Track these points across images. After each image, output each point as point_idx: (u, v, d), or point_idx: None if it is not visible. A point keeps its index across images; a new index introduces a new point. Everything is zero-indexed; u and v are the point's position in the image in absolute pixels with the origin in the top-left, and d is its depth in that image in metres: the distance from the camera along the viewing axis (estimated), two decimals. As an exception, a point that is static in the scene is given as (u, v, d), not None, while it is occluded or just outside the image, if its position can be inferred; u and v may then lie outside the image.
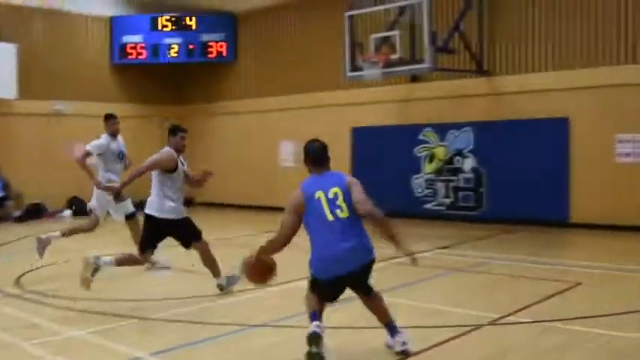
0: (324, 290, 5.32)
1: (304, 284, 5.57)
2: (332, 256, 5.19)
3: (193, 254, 8.06)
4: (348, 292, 5.47)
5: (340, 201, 5.25)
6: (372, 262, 5.39)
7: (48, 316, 6.94)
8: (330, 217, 5.22)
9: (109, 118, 9.97)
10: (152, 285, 8.75)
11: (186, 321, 6.67)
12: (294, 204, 5.36)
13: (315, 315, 5.30)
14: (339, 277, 5.23)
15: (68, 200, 18.32)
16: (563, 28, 13.53)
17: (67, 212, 18.06)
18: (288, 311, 6.76)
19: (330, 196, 5.26)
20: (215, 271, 7.92)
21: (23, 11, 17.84)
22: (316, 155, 5.57)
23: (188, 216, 7.91)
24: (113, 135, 9.75)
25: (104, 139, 9.77)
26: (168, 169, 7.72)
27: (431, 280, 8.58)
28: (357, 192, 5.30)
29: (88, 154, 9.63)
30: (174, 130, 7.94)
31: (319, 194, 5.27)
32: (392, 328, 5.45)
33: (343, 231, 5.20)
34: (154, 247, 7.83)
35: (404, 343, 5.39)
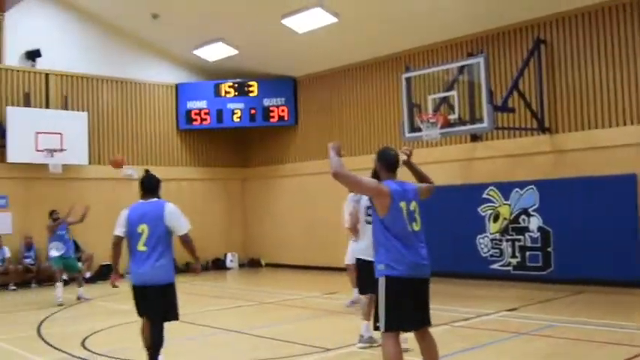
0: (401, 302, 5.48)
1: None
2: (412, 262, 5.52)
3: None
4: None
5: (417, 214, 5.74)
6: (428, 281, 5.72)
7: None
8: (408, 228, 5.60)
9: None
10: (219, 346, 8.79)
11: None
12: (380, 188, 5.70)
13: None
14: (414, 279, 5.54)
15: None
16: (625, 81, 13.32)
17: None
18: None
19: (411, 209, 5.71)
20: None
21: (92, 80, 18.64)
22: (392, 162, 5.99)
23: None
24: None
25: None
26: None
27: (495, 345, 8.36)
28: (423, 188, 6.05)
29: None
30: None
31: (402, 205, 5.65)
32: None
33: (419, 243, 5.64)
34: None
35: None
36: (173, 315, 6.95)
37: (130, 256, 6.87)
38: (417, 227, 5.68)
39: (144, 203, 7.01)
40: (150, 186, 7.10)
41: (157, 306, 6.78)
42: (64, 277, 14.47)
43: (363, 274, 7.84)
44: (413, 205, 5.74)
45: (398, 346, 5.54)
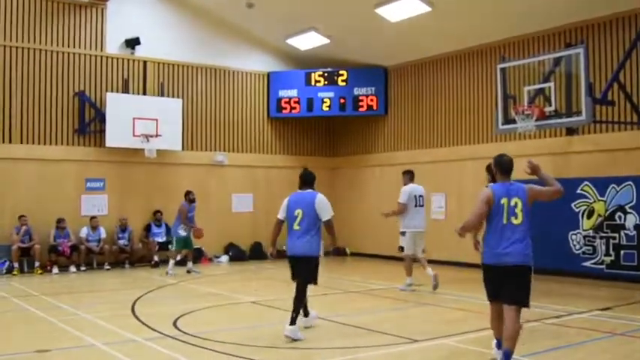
0: (491, 283, 6.78)
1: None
2: (501, 251, 6.60)
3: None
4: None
5: (519, 209, 6.63)
6: (526, 266, 6.60)
7: (203, 358, 7.24)
8: (504, 221, 6.62)
9: None
10: (307, 332, 8.88)
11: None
12: (486, 198, 6.72)
13: (499, 343, 6.85)
14: (502, 266, 6.61)
15: (225, 247, 19.14)
16: None
17: (225, 257, 18.84)
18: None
19: (512, 204, 6.64)
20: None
21: (187, 68, 19.11)
22: (506, 167, 6.95)
23: None
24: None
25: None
26: None
27: (587, 344, 8.12)
28: (537, 189, 6.82)
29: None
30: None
31: (504, 201, 6.66)
32: (507, 356, 6.44)
33: (510, 235, 6.59)
34: None
35: None
36: (314, 281, 8.72)
37: (287, 233, 8.72)
38: (516, 221, 6.62)
39: (301, 193, 8.83)
40: (307, 179, 8.95)
41: (304, 272, 8.58)
42: (178, 257, 16.08)
43: None
44: (515, 200, 6.65)
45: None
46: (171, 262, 15.59)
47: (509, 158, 6.99)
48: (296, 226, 8.56)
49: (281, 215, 8.78)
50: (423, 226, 12.88)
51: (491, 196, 6.68)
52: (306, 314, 9.00)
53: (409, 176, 13.27)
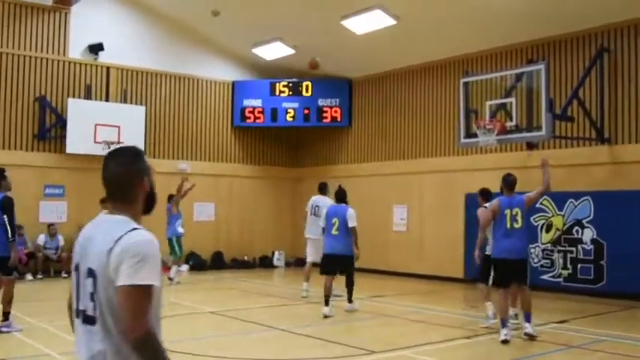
0: (501, 272, 9.01)
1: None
2: (507, 249, 8.95)
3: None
4: None
5: (519, 217, 8.99)
6: (525, 260, 9.15)
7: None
8: (508, 226, 8.99)
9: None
10: (266, 343, 8.83)
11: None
12: (493, 207, 9.15)
13: (504, 323, 8.83)
14: (509, 260, 8.93)
15: (186, 256, 18.98)
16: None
17: (185, 267, 18.68)
18: None
19: (514, 213, 9.01)
20: None
21: (151, 75, 18.97)
22: (511, 184, 9.24)
23: None
24: None
25: None
26: None
27: (544, 356, 8.22)
28: (530, 197, 9.29)
29: None
30: None
31: (507, 211, 9.01)
32: (528, 317, 9.01)
33: (513, 236, 8.98)
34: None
35: (533, 329, 8.97)
36: (350, 272, 11.44)
37: (325, 237, 11.53)
38: (517, 225, 8.99)
39: (336, 206, 11.61)
40: (340, 196, 11.71)
41: (350, 266, 11.36)
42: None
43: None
44: (516, 210, 9.01)
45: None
46: (175, 267, 15.60)
47: (514, 178, 9.29)
48: (334, 232, 11.27)
49: (322, 224, 11.60)
50: (319, 233, 12.80)
51: (497, 207, 9.07)
52: (327, 303, 11.00)
53: (318, 187, 13.74)
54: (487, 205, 9.92)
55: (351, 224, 11.22)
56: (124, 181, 2.74)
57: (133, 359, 2.50)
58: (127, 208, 2.72)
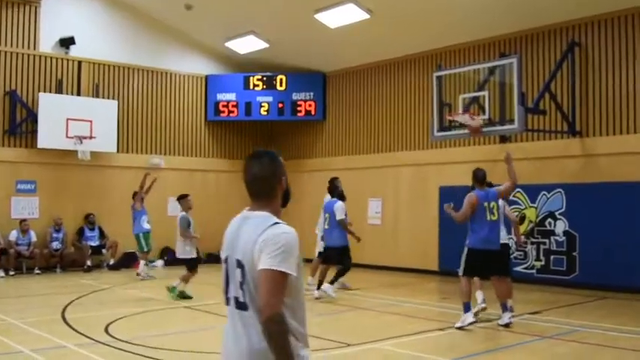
0: (474, 262, 9.23)
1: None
2: (485, 239, 9.24)
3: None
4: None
5: (495, 209, 9.33)
6: (503, 249, 9.70)
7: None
8: (488, 218, 9.26)
9: None
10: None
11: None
12: (471, 202, 9.31)
13: (468, 306, 9.17)
14: (488, 251, 9.21)
15: (161, 250, 18.85)
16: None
17: (160, 262, 18.55)
18: None
19: (491, 206, 9.32)
20: None
21: (123, 69, 18.79)
22: (481, 178, 9.53)
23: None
24: None
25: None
26: None
27: (518, 347, 8.30)
28: (502, 190, 9.58)
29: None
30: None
31: (485, 204, 9.29)
32: (505, 307, 9.31)
33: (492, 228, 9.30)
34: None
35: (510, 318, 9.29)
36: (344, 261, 12.25)
37: (323, 230, 12.59)
38: (493, 217, 9.30)
39: (329, 201, 12.42)
40: (330, 190, 12.50)
41: (338, 257, 12.12)
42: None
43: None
44: (492, 204, 9.33)
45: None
46: (143, 263, 15.65)
47: (484, 172, 9.60)
48: (326, 226, 12.20)
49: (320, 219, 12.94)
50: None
51: (475, 200, 9.27)
52: (319, 287, 12.01)
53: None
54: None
55: (337, 217, 11.90)
56: (267, 181, 3.11)
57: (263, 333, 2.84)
58: (268, 205, 3.10)
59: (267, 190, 3.11)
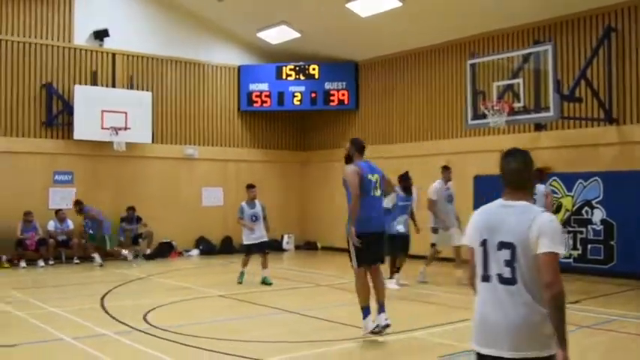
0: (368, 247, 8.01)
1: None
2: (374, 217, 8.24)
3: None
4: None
5: (378, 184, 8.59)
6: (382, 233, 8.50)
7: (173, 353, 7.20)
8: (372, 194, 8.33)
9: None
10: (277, 326, 8.89)
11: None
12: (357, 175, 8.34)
13: (367, 311, 7.98)
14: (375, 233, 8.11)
15: (195, 241, 19.04)
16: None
17: (195, 252, 18.75)
18: None
19: (374, 180, 8.54)
20: None
21: (157, 61, 18.95)
22: (361, 146, 8.81)
23: None
24: None
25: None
26: None
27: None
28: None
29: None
30: None
31: (370, 177, 8.49)
32: (382, 306, 7.94)
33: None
34: None
35: (386, 319, 7.85)
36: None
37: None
38: (377, 193, 8.28)
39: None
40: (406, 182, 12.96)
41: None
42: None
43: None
44: (375, 177, 8.37)
45: None
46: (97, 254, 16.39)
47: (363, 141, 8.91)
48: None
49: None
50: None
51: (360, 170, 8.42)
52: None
53: None
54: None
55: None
56: (524, 175, 3.68)
57: (547, 305, 3.37)
58: (525, 195, 3.64)
59: (524, 182, 3.65)
